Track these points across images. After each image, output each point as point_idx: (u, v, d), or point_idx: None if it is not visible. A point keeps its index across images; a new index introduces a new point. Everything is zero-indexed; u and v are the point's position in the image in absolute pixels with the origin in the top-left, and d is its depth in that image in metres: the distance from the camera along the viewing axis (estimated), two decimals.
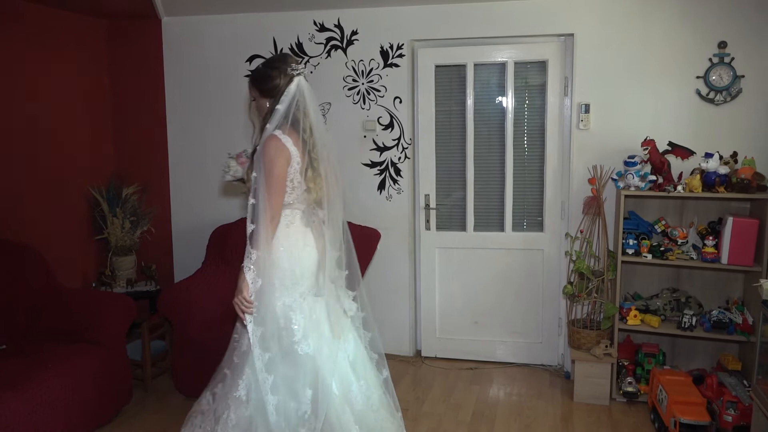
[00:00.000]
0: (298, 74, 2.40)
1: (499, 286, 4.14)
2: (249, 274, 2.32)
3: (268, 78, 2.43)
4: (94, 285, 4.28)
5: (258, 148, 2.39)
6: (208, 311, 3.56)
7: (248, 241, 2.33)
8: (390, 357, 4.24)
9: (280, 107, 2.38)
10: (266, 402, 2.28)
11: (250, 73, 2.54)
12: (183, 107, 4.43)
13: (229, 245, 4.01)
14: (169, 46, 4.39)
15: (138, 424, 3.32)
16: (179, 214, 4.57)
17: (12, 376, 2.75)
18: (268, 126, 2.39)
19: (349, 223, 3.93)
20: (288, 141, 2.35)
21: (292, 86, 2.39)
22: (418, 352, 4.33)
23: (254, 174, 2.38)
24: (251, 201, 2.34)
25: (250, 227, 2.33)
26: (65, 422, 2.85)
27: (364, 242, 3.96)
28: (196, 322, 3.51)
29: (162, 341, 4.04)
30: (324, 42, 4.14)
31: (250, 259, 2.33)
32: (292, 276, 2.40)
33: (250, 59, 4.25)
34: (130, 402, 3.48)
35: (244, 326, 2.36)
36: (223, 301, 3.77)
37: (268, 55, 4.21)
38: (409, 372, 4.05)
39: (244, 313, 2.33)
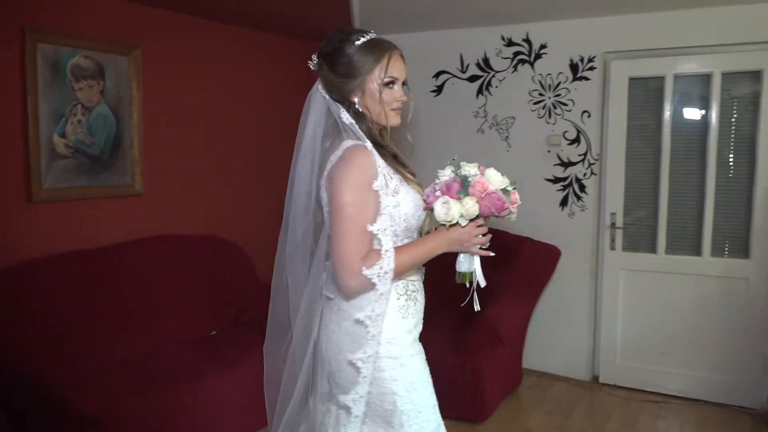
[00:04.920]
0: None
1: (692, 316, 3.79)
2: None
3: None
4: None
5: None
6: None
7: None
8: (563, 380, 4.13)
9: None
10: None
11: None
12: None
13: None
14: None
15: None
16: None
17: (223, 360, 3.10)
18: None
19: (529, 239, 3.97)
20: None
21: None
22: (596, 378, 4.12)
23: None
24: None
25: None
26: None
27: (543, 259, 3.88)
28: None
29: None
30: (511, 56, 4.14)
31: None
32: None
33: (437, 75, 4.39)
34: None
35: None
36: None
37: (455, 72, 4.32)
38: (585, 398, 3.88)
39: None
